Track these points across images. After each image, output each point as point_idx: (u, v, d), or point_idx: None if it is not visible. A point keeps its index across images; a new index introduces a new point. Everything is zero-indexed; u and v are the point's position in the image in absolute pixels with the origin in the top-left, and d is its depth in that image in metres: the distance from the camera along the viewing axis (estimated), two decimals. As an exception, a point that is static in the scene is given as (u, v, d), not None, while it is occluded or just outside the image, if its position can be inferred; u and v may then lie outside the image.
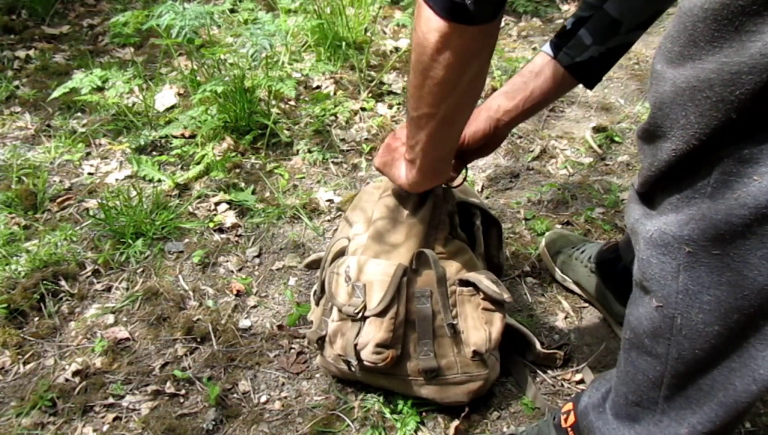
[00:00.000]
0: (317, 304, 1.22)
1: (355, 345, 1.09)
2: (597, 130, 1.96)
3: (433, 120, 0.92)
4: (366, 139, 1.88)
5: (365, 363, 1.10)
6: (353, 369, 1.12)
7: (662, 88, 0.67)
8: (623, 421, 0.90)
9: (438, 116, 0.91)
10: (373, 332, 1.09)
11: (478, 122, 1.10)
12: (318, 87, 2.09)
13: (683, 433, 0.82)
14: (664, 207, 0.73)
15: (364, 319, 1.09)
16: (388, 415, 1.16)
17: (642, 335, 0.81)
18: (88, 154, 1.83)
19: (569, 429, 1.02)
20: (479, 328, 1.13)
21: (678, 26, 0.65)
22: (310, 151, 1.82)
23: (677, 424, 0.82)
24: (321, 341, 1.17)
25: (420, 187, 1.08)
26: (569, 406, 1.04)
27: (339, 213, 1.64)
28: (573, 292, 1.43)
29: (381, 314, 1.08)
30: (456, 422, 1.14)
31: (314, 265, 1.34)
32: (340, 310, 1.12)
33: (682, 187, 0.70)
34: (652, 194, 0.76)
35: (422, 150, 0.98)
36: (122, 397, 1.20)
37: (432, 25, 0.77)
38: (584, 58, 1.07)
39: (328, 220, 1.62)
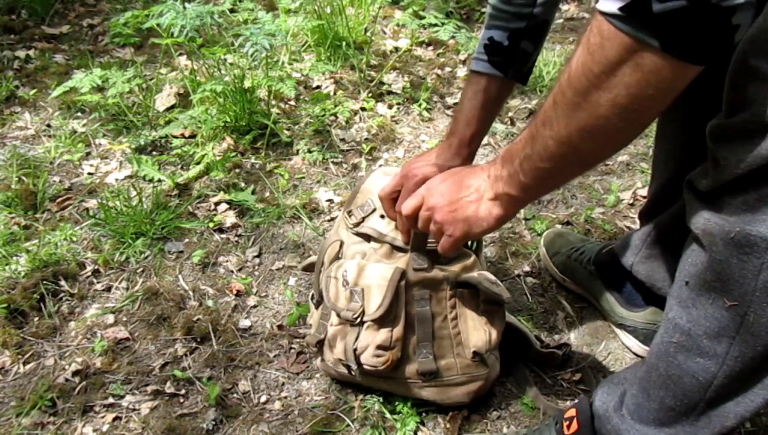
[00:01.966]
0: (316, 308, 1.22)
1: (355, 349, 1.09)
2: (597, 130, 1.96)
3: (592, 163, 0.83)
4: (366, 139, 1.88)
5: (365, 367, 1.10)
6: (353, 373, 1.12)
7: None
8: (648, 425, 0.90)
9: (600, 160, 0.83)
10: (373, 335, 1.09)
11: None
12: (318, 87, 2.09)
13: (732, 425, 0.83)
14: (737, 207, 0.72)
15: (362, 323, 1.09)
16: (388, 416, 1.16)
17: (700, 337, 0.80)
18: (88, 154, 1.83)
19: (572, 436, 1.02)
20: (479, 328, 1.13)
21: None
22: (310, 151, 1.82)
23: (722, 418, 0.83)
24: (320, 345, 1.17)
25: (508, 219, 0.96)
26: (572, 412, 1.03)
27: (339, 213, 1.64)
28: (573, 292, 1.43)
29: (380, 320, 1.08)
30: (456, 422, 1.14)
31: (311, 268, 1.34)
32: (338, 315, 1.12)
33: (763, 187, 0.69)
34: (719, 195, 0.74)
35: (547, 187, 0.89)
36: (122, 397, 1.20)
37: (666, 74, 0.65)
38: (530, 65, 1.10)
39: (328, 220, 1.62)
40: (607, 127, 0.71)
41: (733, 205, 0.72)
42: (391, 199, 1.11)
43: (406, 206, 0.99)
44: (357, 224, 1.16)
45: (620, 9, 0.63)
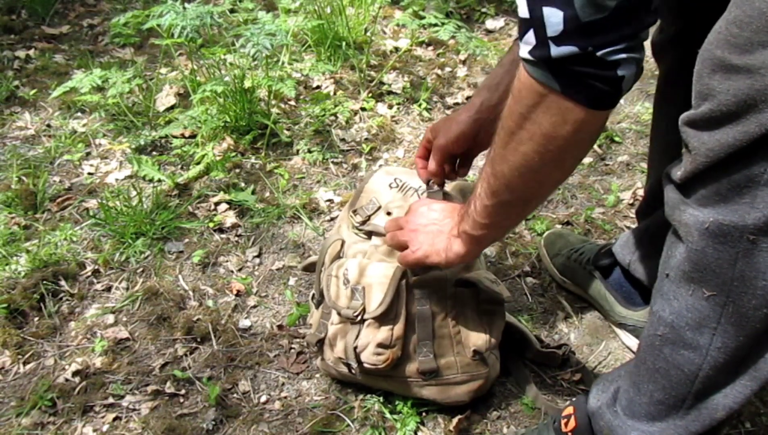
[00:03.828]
0: (317, 307, 1.22)
1: (355, 348, 1.09)
2: (597, 130, 1.96)
3: (531, 203, 0.91)
4: (366, 139, 1.88)
5: (365, 365, 1.10)
6: (354, 372, 1.12)
7: (734, 74, 0.67)
8: (640, 420, 0.90)
9: (536, 199, 0.92)
10: (373, 334, 1.09)
11: (459, 124, 1.09)
12: (318, 87, 2.09)
13: (721, 417, 0.83)
14: (710, 197, 0.73)
15: (363, 321, 1.09)
16: (388, 415, 1.16)
17: (682, 328, 0.81)
18: (88, 154, 1.83)
19: (569, 433, 1.02)
20: (479, 327, 1.13)
21: (749, 12, 0.65)
22: (310, 151, 1.82)
23: (711, 411, 0.84)
24: (320, 344, 1.17)
25: (470, 259, 1.02)
26: (569, 410, 1.03)
27: (339, 213, 1.64)
28: (573, 293, 1.43)
29: (381, 317, 1.08)
30: (456, 422, 1.14)
31: (312, 267, 1.34)
32: (339, 314, 1.12)
33: (732, 176, 0.70)
34: (692, 185, 0.75)
35: (498, 227, 0.94)
36: (122, 397, 1.20)
37: (570, 116, 0.73)
38: None
39: (328, 220, 1.62)
40: (531, 165, 0.79)
41: (706, 195, 0.74)
42: (421, 160, 1.15)
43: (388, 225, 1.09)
44: (362, 223, 1.16)
45: (529, 53, 0.72)
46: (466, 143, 1.10)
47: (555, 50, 0.69)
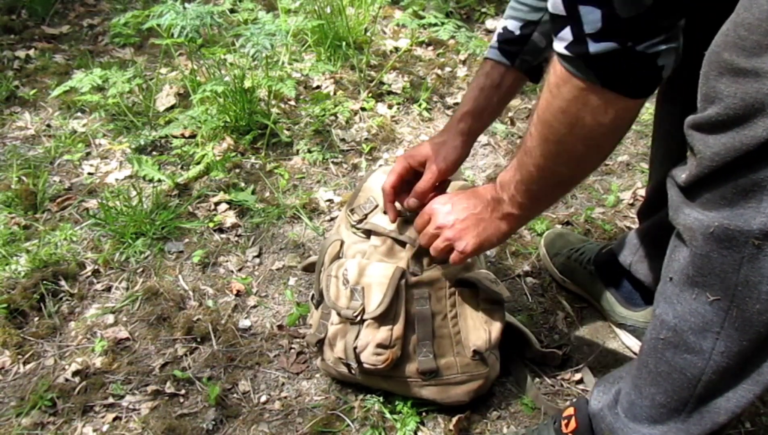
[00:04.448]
0: (316, 307, 1.22)
1: (355, 348, 1.09)
2: (597, 130, 1.96)
3: (573, 182, 0.96)
4: (366, 139, 1.88)
5: (365, 366, 1.10)
6: (353, 372, 1.12)
7: (742, 77, 0.67)
8: (641, 423, 0.90)
9: (578, 179, 0.95)
10: (373, 334, 1.09)
11: (456, 150, 1.10)
12: (318, 87, 2.09)
13: (723, 421, 0.83)
14: (715, 201, 0.73)
15: (362, 321, 1.09)
16: (388, 415, 1.16)
17: (685, 332, 0.81)
18: (88, 154, 1.83)
19: (570, 434, 1.01)
20: (479, 327, 1.13)
21: (757, 14, 0.65)
22: (310, 151, 1.82)
23: (713, 414, 0.83)
24: (320, 344, 1.17)
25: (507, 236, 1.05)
26: (570, 410, 1.03)
27: (339, 213, 1.64)
28: (573, 293, 1.43)
29: (380, 318, 1.08)
30: (456, 422, 1.14)
31: (311, 268, 1.34)
32: (338, 314, 1.12)
33: (738, 180, 0.70)
34: (697, 189, 0.75)
35: (540, 208, 1.00)
36: (122, 397, 1.20)
37: (611, 106, 0.76)
38: (540, 60, 1.11)
39: (328, 220, 1.62)
40: (574, 154, 0.83)
41: (712, 199, 0.73)
42: (393, 190, 1.13)
43: (416, 225, 1.08)
44: (359, 221, 1.16)
45: (566, 48, 0.73)
46: (461, 163, 1.13)
47: (594, 47, 0.71)
